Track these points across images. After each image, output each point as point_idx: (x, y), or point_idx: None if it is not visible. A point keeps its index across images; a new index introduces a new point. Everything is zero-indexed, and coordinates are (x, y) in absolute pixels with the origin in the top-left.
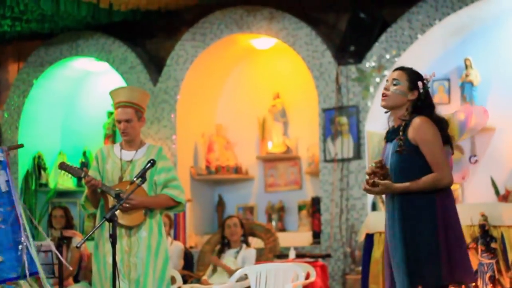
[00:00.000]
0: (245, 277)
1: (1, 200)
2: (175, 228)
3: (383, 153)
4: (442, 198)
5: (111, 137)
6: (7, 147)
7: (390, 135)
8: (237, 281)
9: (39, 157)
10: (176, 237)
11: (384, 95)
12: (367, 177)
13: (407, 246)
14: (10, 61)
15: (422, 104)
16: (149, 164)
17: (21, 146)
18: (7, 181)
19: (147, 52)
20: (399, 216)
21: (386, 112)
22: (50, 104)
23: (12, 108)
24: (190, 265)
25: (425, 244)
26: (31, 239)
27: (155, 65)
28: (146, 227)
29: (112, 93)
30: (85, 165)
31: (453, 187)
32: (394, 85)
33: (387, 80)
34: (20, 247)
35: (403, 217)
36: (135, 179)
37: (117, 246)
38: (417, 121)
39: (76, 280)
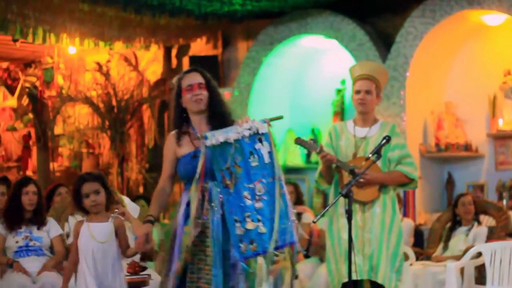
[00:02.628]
0: (476, 255)
1: (264, 171)
2: (405, 206)
3: None
4: None
5: (339, 114)
6: (269, 118)
7: None
8: (471, 259)
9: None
10: (405, 215)
11: None
12: None
13: None
14: (239, 40)
15: None
16: (384, 140)
17: (281, 117)
18: (270, 152)
19: (375, 29)
20: None
21: None
22: (278, 82)
23: (242, 86)
24: (420, 242)
25: None
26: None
27: (383, 42)
28: (380, 203)
29: (353, 68)
30: (315, 142)
31: None
32: None
33: None
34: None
35: None
36: (370, 155)
37: (352, 222)
38: None
39: (306, 256)
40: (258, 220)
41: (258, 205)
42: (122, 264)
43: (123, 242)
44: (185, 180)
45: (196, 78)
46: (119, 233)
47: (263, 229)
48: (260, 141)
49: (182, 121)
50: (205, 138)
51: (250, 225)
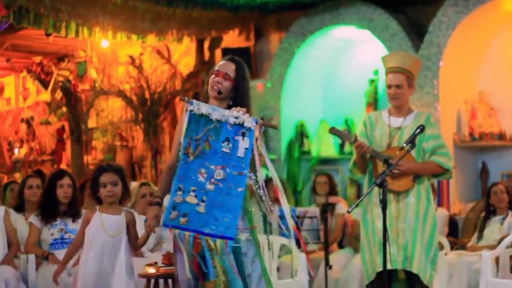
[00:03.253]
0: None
1: (232, 162)
2: (439, 195)
3: None
4: None
5: (372, 104)
6: (262, 121)
7: None
8: (506, 247)
9: (301, 125)
10: (440, 204)
11: None
12: None
13: None
14: (271, 32)
15: None
16: (418, 130)
17: (275, 127)
18: (247, 149)
19: (408, 19)
20: None
21: None
22: (311, 73)
23: (274, 77)
24: (455, 232)
25: None
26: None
27: (416, 32)
28: (414, 193)
29: (385, 58)
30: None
31: None
32: None
33: None
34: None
35: None
36: (404, 145)
37: (386, 212)
38: None
39: (340, 246)
40: (202, 200)
41: (210, 187)
42: (133, 266)
43: (133, 235)
44: None
45: (227, 67)
46: (130, 227)
47: (202, 209)
48: (243, 135)
49: (205, 100)
50: (191, 104)
51: (190, 199)
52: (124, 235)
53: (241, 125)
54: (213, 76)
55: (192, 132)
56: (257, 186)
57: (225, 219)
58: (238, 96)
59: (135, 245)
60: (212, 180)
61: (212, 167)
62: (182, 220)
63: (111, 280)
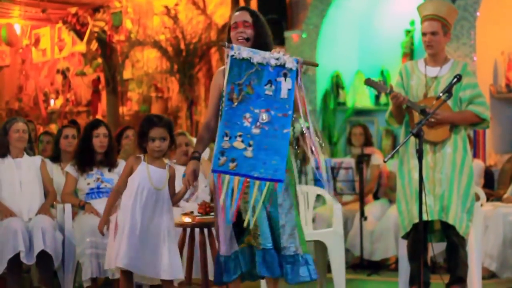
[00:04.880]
0: None
1: (276, 104)
2: (475, 147)
3: None
4: None
5: (408, 55)
6: (303, 60)
7: None
8: None
9: (337, 76)
10: (476, 156)
11: None
12: None
13: None
14: None
15: None
16: (455, 79)
17: (316, 65)
18: (289, 90)
19: None
20: None
21: None
22: (347, 23)
23: (310, 27)
24: (490, 183)
25: None
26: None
27: None
28: (451, 143)
29: (420, 7)
30: (384, 83)
31: None
32: None
33: None
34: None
35: None
36: (441, 94)
37: (423, 162)
38: None
39: (375, 197)
40: (249, 145)
41: (256, 131)
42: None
43: (172, 189)
44: None
45: (243, 16)
46: (170, 181)
47: (249, 154)
48: (285, 75)
49: None
50: (231, 48)
51: (237, 144)
52: (167, 189)
53: (282, 66)
54: (233, 29)
55: (235, 77)
56: (305, 129)
57: (273, 161)
58: (260, 38)
59: (173, 199)
60: (258, 123)
61: (257, 110)
62: (231, 165)
63: (155, 235)
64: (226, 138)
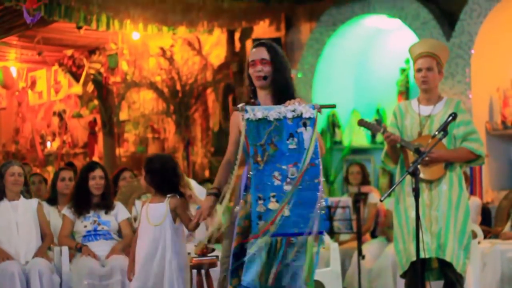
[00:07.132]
0: None
1: (302, 156)
2: (472, 184)
3: None
4: None
5: (404, 94)
6: (320, 105)
7: None
8: None
9: (333, 115)
10: (472, 193)
11: None
12: None
13: None
14: (302, 22)
15: None
16: (450, 118)
17: (334, 106)
18: (311, 138)
19: (439, 7)
20: None
21: None
22: (342, 62)
23: (305, 67)
24: (488, 220)
25: None
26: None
27: (447, 20)
28: (446, 180)
29: (412, 47)
30: (379, 122)
31: None
32: None
33: None
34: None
35: None
36: (436, 132)
37: (419, 200)
38: None
39: (373, 236)
40: (285, 203)
41: (287, 187)
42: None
43: (184, 218)
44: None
45: (260, 53)
46: (178, 212)
47: (287, 212)
48: (305, 125)
49: (251, 94)
50: (245, 111)
51: (272, 205)
52: (169, 221)
53: (299, 116)
54: (251, 67)
55: (255, 139)
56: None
57: (310, 214)
58: (279, 73)
59: (187, 225)
60: (288, 180)
61: (284, 167)
62: (272, 227)
63: (161, 268)
64: (260, 202)
